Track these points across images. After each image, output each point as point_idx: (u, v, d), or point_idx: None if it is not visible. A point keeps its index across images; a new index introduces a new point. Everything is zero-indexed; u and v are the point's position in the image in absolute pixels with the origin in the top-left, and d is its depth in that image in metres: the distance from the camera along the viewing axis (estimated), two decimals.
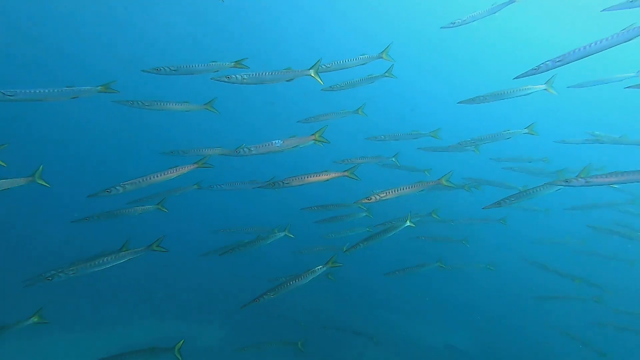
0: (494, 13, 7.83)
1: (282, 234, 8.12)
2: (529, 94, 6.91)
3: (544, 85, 7.09)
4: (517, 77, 5.68)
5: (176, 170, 5.73)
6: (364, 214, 9.85)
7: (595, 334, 13.55)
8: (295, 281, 5.73)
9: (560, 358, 14.22)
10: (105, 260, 4.71)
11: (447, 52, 34.51)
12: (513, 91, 6.88)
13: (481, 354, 14.17)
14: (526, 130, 7.81)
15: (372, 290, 16.13)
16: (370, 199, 6.16)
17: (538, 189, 5.65)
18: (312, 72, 6.43)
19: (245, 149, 6.19)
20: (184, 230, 18.28)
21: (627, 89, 6.08)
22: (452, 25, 8.10)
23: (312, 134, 6.36)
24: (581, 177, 4.99)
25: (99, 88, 5.26)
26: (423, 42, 33.42)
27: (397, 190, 6.22)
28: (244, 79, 5.84)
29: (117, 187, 5.38)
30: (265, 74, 6.01)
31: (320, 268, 5.88)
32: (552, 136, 11.61)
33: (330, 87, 8.36)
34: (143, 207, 6.45)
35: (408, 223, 6.98)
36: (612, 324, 13.15)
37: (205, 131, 27.17)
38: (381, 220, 8.96)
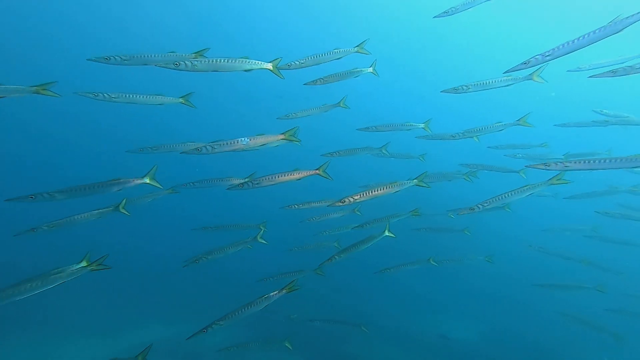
0: (488, 0, 7.24)
1: (251, 240, 7.75)
2: (510, 84, 6.49)
3: (524, 76, 6.83)
4: (506, 72, 5.69)
5: (121, 182, 5.23)
6: (355, 210, 9.48)
7: (609, 319, 13.09)
8: (248, 308, 5.44)
9: (568, 344, 13.82)
10: (30, 286, 3.97)
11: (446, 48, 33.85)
12: (496, 81, 6.64)
13: (485, 346, 13.78)
14: (518, 122, 7.42)
15: (364, 281, 15.78)
16: (344, 201, 5.75)
17: (515, 192, 5.52)
18: (271, 67, 5.92)
19: (208, 147, 5.78)
20: (182, 232, 17.96)
21: (590, 78, 5.70)
22: (445, 14, 7.67)
23: (282, 133, 5.93)
24: (560, 162, 4.88)
25: (33, 88, 4.64)
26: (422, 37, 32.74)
27: (372, 192, 5.87)
28: (194, 66, 5.34)
29: (45, 195, 4.85)
30: (218, 61, 5.52)
31: (276, 294, 5.55)
32: (555, 120, 11.06)
33: (312, 81, 7.91)
34: (100, 211, 5.84)
35: (387, 233, 6.67)
36: (626, 310, 12.71)
37: (203, 130, 26.63)
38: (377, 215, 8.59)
